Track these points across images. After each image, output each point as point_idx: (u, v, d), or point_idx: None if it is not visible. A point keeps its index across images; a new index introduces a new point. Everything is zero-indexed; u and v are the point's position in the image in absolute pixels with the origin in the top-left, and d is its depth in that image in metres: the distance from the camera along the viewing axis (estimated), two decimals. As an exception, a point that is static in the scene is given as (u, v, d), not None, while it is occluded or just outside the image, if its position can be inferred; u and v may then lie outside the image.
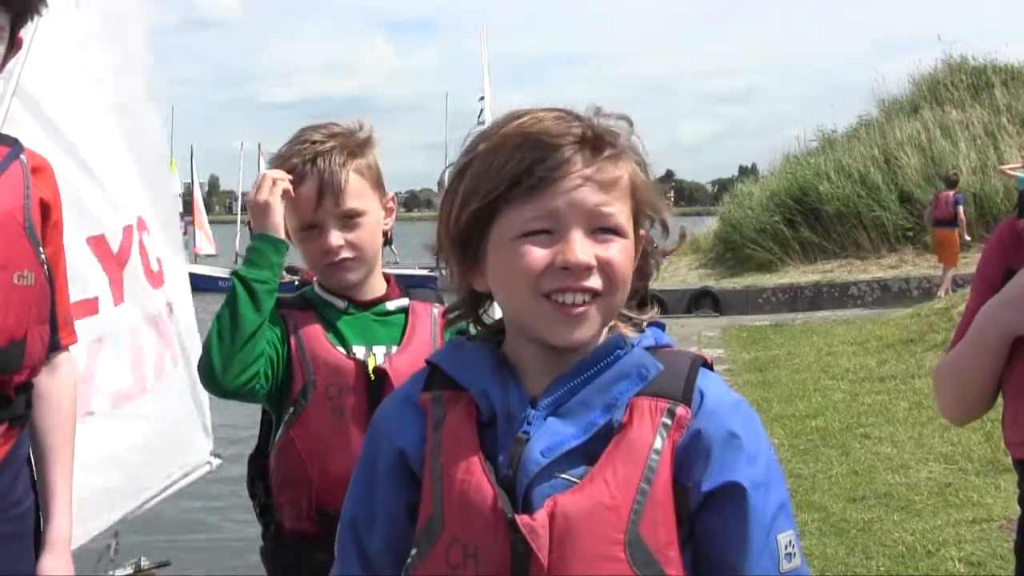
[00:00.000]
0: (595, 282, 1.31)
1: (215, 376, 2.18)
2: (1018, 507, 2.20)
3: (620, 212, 1.33)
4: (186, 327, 3.79)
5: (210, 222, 46.06)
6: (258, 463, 2.38)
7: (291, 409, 2.27)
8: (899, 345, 10.88)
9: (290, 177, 2.27)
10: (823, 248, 19.62)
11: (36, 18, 2.19)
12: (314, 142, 2.30)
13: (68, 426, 2.34)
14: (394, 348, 2.32)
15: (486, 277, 1.38)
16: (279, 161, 2.33)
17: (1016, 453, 2.14)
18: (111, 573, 4.08)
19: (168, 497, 3.71)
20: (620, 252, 1.33)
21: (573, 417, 1.32)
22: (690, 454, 1.31)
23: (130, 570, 5.54)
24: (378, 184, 2.36)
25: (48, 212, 2.23)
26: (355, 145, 2.32)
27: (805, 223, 19.88)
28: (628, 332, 1.39)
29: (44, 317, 2.21)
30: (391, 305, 2.37)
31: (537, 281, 1.31)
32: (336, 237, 2.28)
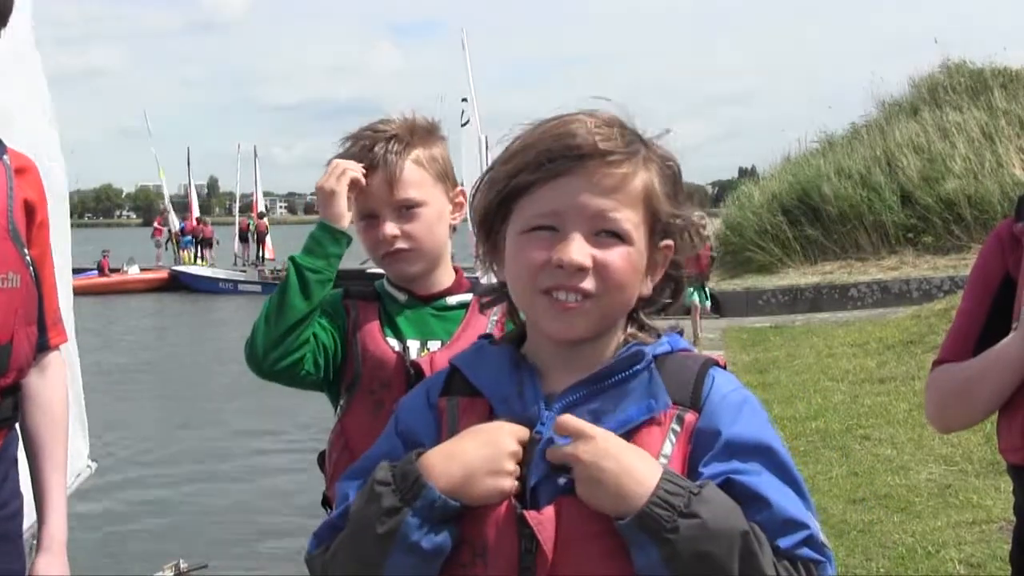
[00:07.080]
0: (589, 283, 1.35)
1: (257, 358, 2.18)
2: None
3: (626, 219, 1.36)
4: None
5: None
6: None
7: (341, 401, 2.28)
8: (899, 346, 10.87)
9: (362, 167, 2.24)
10: (823, 249, 19.59)
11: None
12: (375, 132, 2.28)
13: (60, 426, 2.33)
14: None
15: (503, 267, 1.43)
16: (344, 152, 2.30)
17: (1011, 459, 2.12)
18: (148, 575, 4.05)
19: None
20: (620, 257, 1.35)
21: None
22: (696, 453, 1.34)
23: (169, 573, 5.46)
24: (443, 176, 2.32)
25: (33, 213, 2.22)
26: (415, 135, 2.29)
27: (805, 224, 19.86)
28: (646, 338, 1.43)
29: (31, 319, 2.19)
30: (452, 300, 2.32)
31: (536, 276, 1.35)
32: (391, 227, 2.24)
